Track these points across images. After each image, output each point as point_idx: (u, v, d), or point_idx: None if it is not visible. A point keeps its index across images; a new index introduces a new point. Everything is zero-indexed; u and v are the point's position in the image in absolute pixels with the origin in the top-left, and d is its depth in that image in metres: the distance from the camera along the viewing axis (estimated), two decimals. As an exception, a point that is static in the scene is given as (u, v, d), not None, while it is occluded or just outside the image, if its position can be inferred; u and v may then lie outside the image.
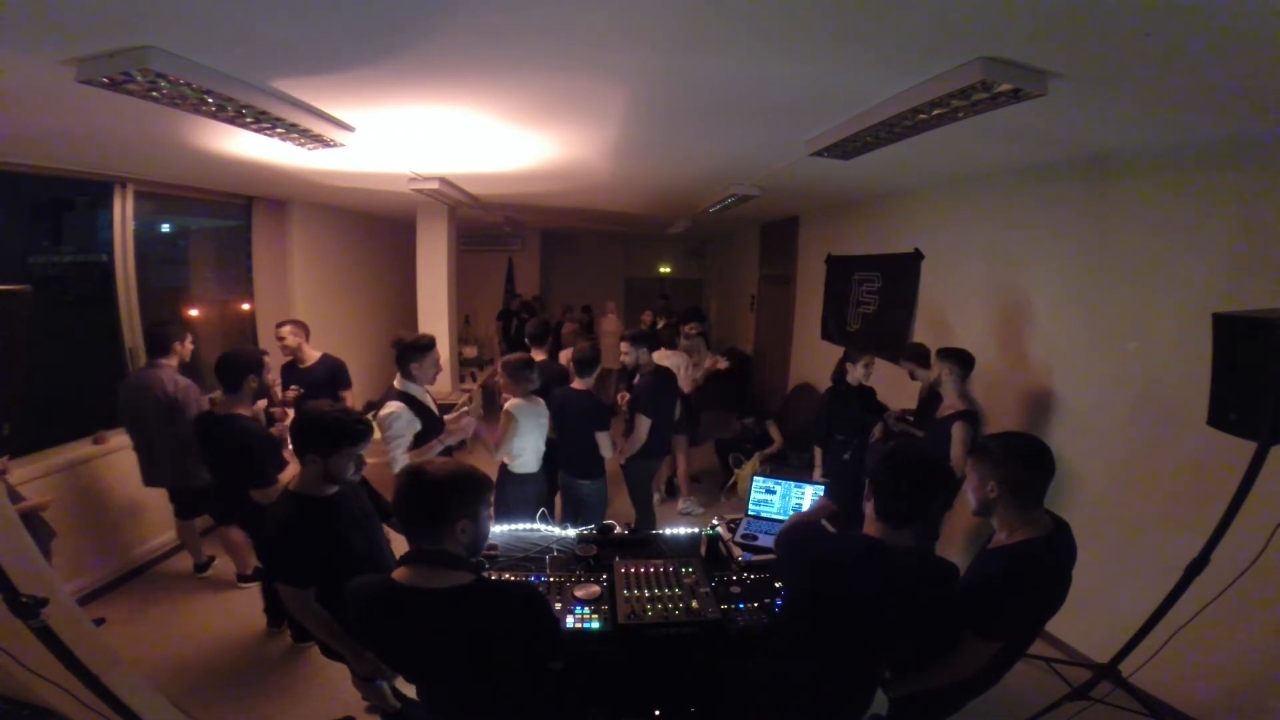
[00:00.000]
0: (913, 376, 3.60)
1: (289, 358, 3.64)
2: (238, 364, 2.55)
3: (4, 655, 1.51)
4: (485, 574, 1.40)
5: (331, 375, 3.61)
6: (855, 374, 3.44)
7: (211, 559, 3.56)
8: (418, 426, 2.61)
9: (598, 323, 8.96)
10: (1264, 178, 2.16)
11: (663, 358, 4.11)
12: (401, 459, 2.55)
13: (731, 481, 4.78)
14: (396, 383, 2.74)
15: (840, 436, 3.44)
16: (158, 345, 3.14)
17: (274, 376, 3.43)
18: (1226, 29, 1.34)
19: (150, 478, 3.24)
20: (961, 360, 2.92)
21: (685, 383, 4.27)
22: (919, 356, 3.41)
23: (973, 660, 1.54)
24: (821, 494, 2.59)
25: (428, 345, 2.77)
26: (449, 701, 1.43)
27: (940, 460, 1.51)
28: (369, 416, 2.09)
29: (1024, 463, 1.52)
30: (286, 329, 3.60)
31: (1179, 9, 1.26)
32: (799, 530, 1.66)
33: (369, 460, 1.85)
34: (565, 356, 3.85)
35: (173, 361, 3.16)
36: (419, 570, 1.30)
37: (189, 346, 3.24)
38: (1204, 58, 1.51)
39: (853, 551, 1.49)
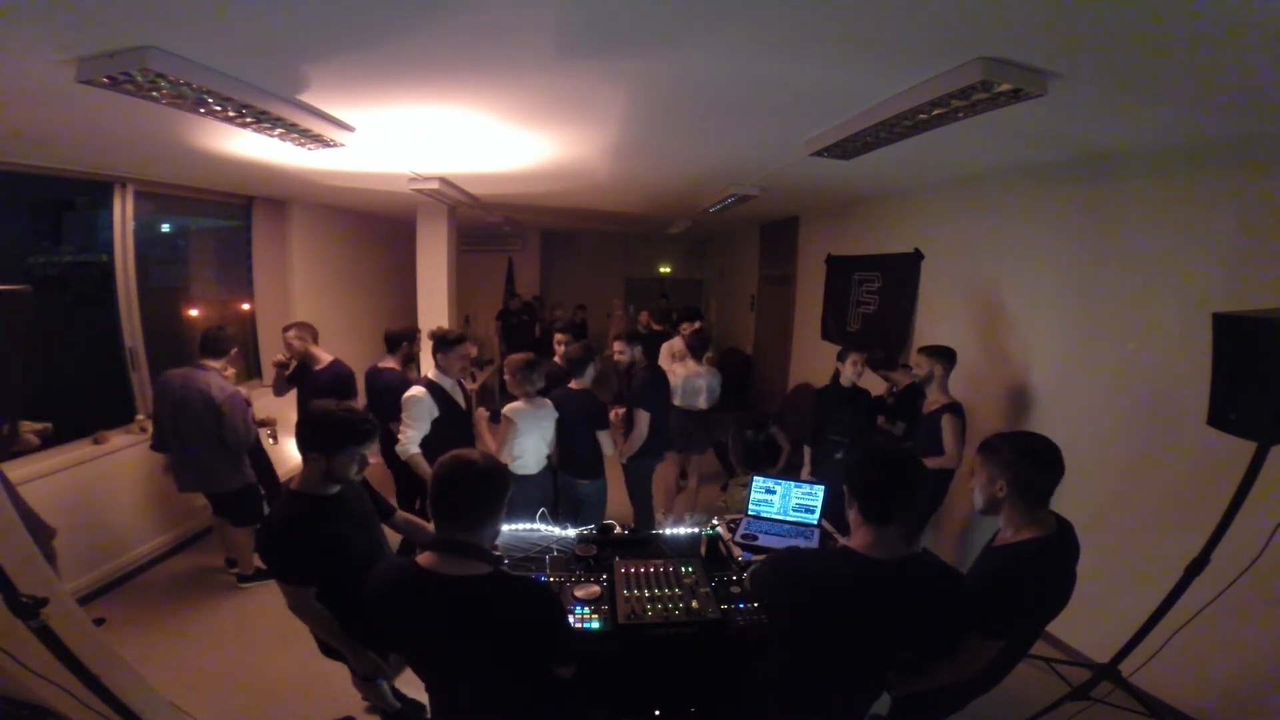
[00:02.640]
0: (886, 379, 3.69)
1: (296, 360, 3.56)
2: (398, 334, 3.60)
3: (4, 655, 1.51)
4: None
5: (335, 382, 3.48)
6: (846, 374, 3.44)
7: (260, 570, 3.39)
8: (436, 414, 2.84)
9: (606, 322, 8.91)
10: (1264, 178, 2.16)
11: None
12: (414, 441, 2.76)
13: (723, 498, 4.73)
14: (431, 373, 3.01)
15: (834, 437, 3.44)
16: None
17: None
18: (1226, 29, 1.34)
19: (184, 482, 3.24)
20: (950, 357, 3.08)
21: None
22: (887, 363, 3.81)
23: (976, 659, 1.53)
24: (823, 492, 2.59)
25: (455, 339, 3.02)
26: (457, 697, 1.43)
27: (908, 451, 1.50)
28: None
29: (1034, 463, 1.52)
30: (291, 332, 3.56)
31: (1179, 9, 1.26)
32: (780, 558, 1.57)
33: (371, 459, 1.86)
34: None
35: (218, 365, 3.15)
36: (444, 558, 1.32)
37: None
38: (1204, 58, 1.51)
39: (848, 572, 1.41)
